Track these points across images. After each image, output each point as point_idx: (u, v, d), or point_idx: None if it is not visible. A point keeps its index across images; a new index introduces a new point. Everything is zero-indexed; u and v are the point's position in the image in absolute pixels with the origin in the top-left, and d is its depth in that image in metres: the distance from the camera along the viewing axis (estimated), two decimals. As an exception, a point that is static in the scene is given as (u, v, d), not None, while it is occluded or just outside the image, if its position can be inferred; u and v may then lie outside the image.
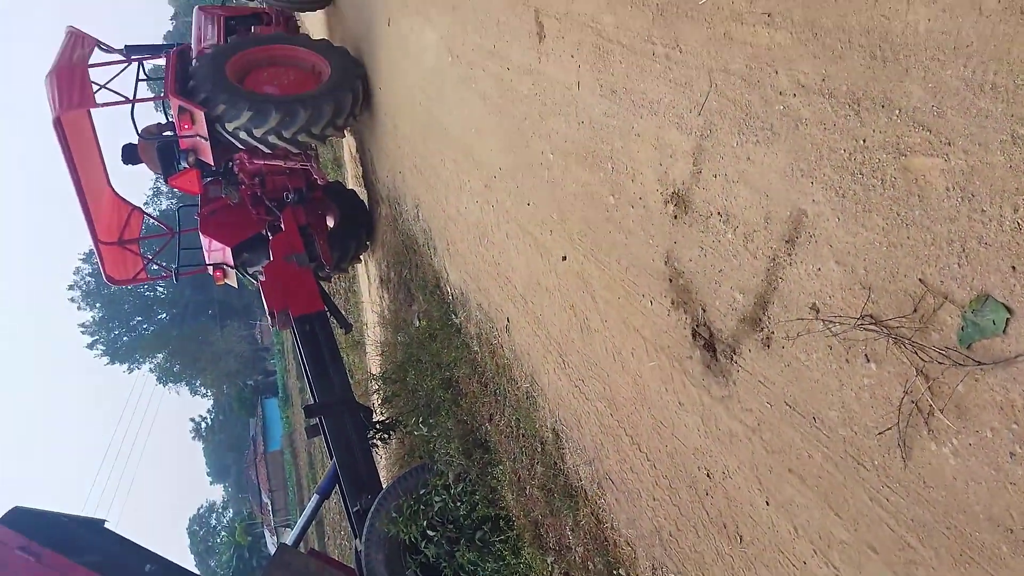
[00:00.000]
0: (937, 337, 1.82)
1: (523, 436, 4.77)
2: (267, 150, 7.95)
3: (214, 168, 8.41)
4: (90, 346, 74.26)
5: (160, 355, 72.45)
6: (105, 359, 74.30)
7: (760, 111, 2.32)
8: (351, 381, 7.92)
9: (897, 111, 1.85)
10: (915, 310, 1.87)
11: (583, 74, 3.43)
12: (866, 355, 2.02)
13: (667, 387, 3.05)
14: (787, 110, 2.21)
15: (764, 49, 2.27)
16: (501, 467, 5.13)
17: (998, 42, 1.61)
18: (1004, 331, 1.66)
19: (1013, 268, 1.63)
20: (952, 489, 1.82)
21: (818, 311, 2.18)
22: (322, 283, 9.39)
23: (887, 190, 1.91)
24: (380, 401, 7.89)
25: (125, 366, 75.21)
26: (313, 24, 13.57)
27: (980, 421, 1.73)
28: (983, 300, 1.70)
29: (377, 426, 7.18)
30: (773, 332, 2.38)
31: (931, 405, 1.84)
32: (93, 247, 8.75)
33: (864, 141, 1.96)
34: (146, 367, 74.19)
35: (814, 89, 2.10)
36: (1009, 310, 1.65)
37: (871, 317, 1.99)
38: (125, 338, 75.20)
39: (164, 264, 10.14)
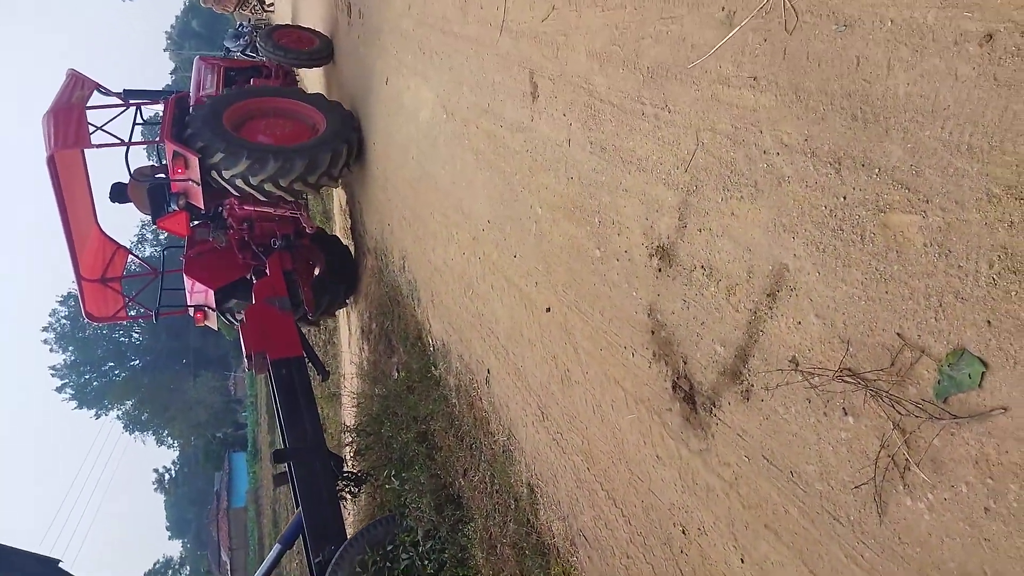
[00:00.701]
0: (914, 390, 1.84)
1: (497, 492, 4.69)
2: (262, 198, 8.04)
3: (203, 212, 8.49)
4: (59, 389, 72.64)
5: (129, 402, 70.92)
6: (73, 403, 72.62)
7: (745, 168, 2.39)
8: (324, 433, 7.79)
9: (877, 170, 1.93)
10: (893, 363, 1.90)
11: (574, 132, 3.53)
12: (844, 408, 2.04)
13: (645, 440, 3.03)
14: (771, 168, 2.28)
15: (750, 110, 2.36)
16: (473, 524, 5.01)
17: (973, 106, 1.69)
18: (980, 385, 1.69)
19: (988, 323, 1.67)
20: (927, 545, 1.81)
21: (797, 364, 2.20)
22: (303, 330, 9.34)
23: (866, 246, 1.96)
24: (353, 453, 7.74)
25: (92, 412, 73.53)
26: (312, 79, 13.87)
27: (955, 475, 1.74)
28: (959, 354, 1.73)
29: (347, 476, 7.03)
30: (753, 385, 2.40)
31: (907, 459, 1.85)
32: (75, 283, 8.71)
33: (844, 198, 2.02)
34: (114, 414, 72.56)
35: (797, 148, 2.18)
36: (985, 364, 1.68)
37: (849, 370, 2.02)
38: (95, 383, 73.76)
39: (144, 306, 10.06)
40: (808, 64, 2.11)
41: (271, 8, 21.20)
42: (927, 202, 1.80)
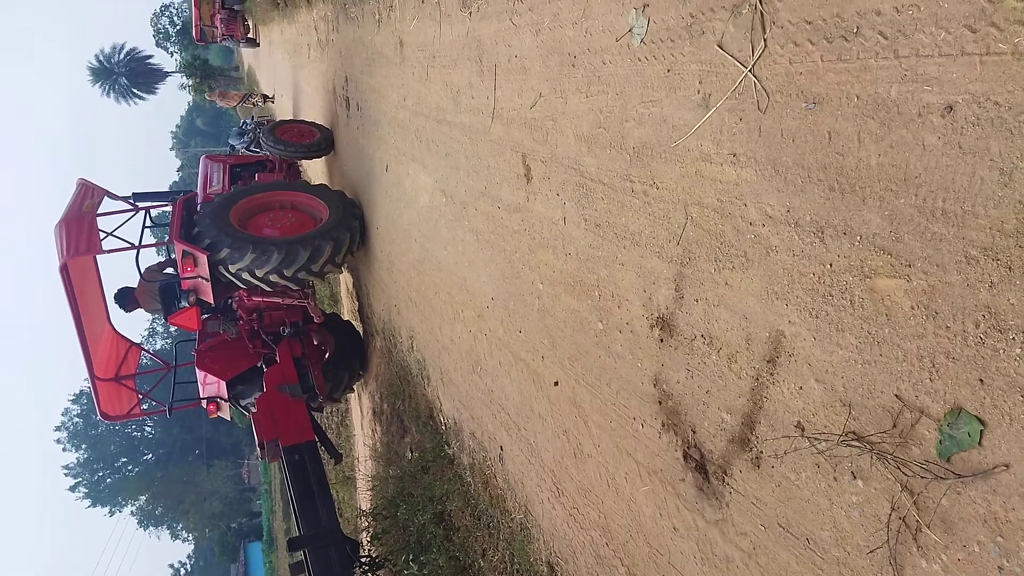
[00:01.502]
0: (918, 451, 1.87)
1: (517, 572, 4.61)
2: (268, 288, 8.21)
3: (213, 306, 8.64)
4: (72, 488, 71.90)
5: (143, 497, 70.01)
6: (87, 502, 71.77)
7: (733, 240, 2.47)
8: (340, 517, 7.69)
9: (858, 237, 2.00)
10: (894, 425, 1.92)
11: (568, 210, 3.64)
12: (852, 472, 2.05)
13: (661, 512, 3.02)
14: (758, 239, 2.36)
15: (733, 184, 2.46)
16: (496, 607, 4.91)
17: (943, 173, 1.78)
18: (980, 443, 1.71)
19: (981, 381, 1.71)
20: (949, 608, 1.80)
21: (803, 429, 2.23)
22: (315, 414, 9.33)
23: (856, 310, 2.02)
24: (369, 538, 7.62)
25: (107, 509, 72.55)
26: (315, 169, 14.27)
27: (966, 535, 1.75)
28: (957, 413, 1.77)
29: (363, 561, 6.90)
30: (762, 451, 2.41)
31: (918, 520, 1.85)
32: (89, 384, 8.79)
33: (831, 265, 2.09)
34: (128, 510, 71.53)
35: (781, 219, 2.26)
36: (982, 422, 1.71)
37: (854, 433, 2.04)
38: (109, 480, 73.08)
39: (158, 401, 10.11)
40: (783, 140, 2.22)
41: (272, 101, 22.00)
42: (909, 266, 1.86)
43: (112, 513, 72.92)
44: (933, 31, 1.75)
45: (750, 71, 2.31)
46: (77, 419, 72.00)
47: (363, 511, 8.60)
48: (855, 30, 1.95)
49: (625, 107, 3.02)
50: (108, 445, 73.08)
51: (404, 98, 6.75)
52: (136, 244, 8.39)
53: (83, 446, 72.70)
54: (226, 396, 9.07)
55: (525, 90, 3.98)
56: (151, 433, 72.50)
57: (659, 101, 2.79)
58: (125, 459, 74.25)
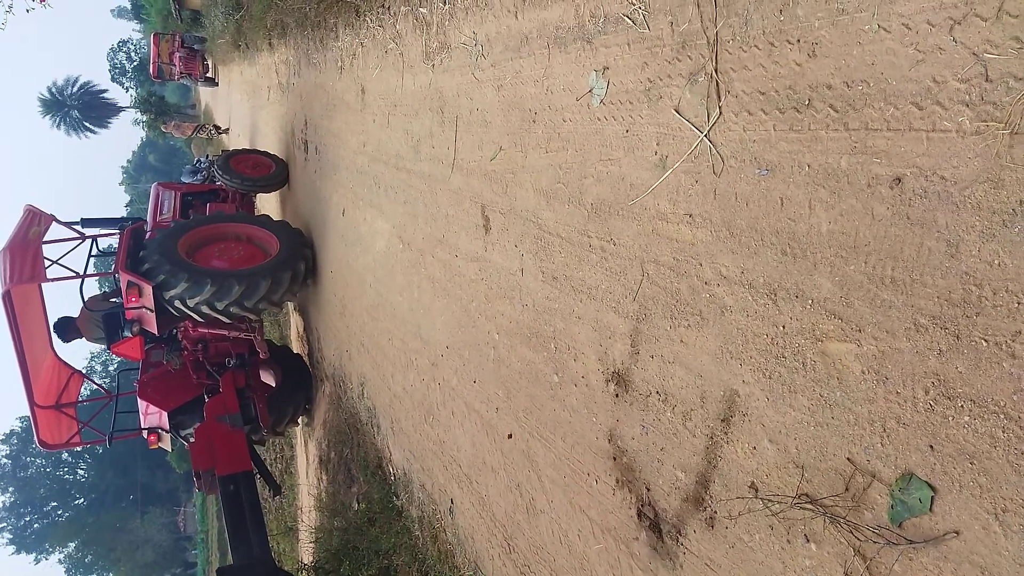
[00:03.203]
0: (870, 515, 1.88)
1: (466, 631, 4.47)
2: (199, 319, 8.10)
3: (157, 336, 8.48)
4: (-5, 534, 67.85)
5: (72, 544, 66.37)
6: (11, 548, 67.71)
7: (689, 298, 2.50)
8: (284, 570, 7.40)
9: (810, 301, 2.04)
10: (847, 488, 1.94)
11: (526, 262, 3.65)
12: (805, 535, 2.05)
13: (615, 571, 2.97)
14: (713, 298, 2.39)
15: (688, 244, 2.49)
16: (442, 668, 4.74)
17: (891, 243, 1.83)
18: (931, 509, 1.73)
19: (931, 447, 1.73)
20: (902, 677, 1.79)
21: (757, 490, 2.23)
22: (259, 453, 9.10)
23: (808, 372, 2.04)
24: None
25: (32, 556, 68.52)
26: (271, 207, 14.11)
27: (920, 602, 1.75)
28: (908, 479, 1.78)
29: None
30: (716, 511, 2.40)
31: (872, 586, 1.85)
32: (29, 412, 8.54)
33: (783, 327, 2.12)
34: (55, 557, 67.65)
35: (735, 280, 2.30)
36: (933, 488, 1.73)
37: (807, 496, 2.05)
38: (36, 524, 69.19)
39: (98, 430, 9.79)
40: (737, 203, 2.26)
41: (225, 132, 21.82)
42: (860, 331, 1.90)
43: (38, 561, 68.94)
44: (882, 106, 1.82)
45: (705, 136, 2.37)
46: (5, 460, 68.36)
47: (304, 564, 8.29)
48: (807, 102, 2.02)
49: (584, 164, 3.06)
50: (38, 488, 69.43)
51: (364, 144, 6.75)
52: (81, 273, 8.25)
53: (10, 489, 68.90)
54: (167, 427, 8.84)
55: (486, 142, 4.02)
56: (84, 476, 69.21)
57: (618, 160, 2.83)
58: (55, 503, 70.55)
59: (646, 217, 2.70)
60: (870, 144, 1.86)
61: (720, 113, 2.32)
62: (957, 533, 1.67)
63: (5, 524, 69.21)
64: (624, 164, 2.79)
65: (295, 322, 12.29)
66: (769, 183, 2.15)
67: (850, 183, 1.92)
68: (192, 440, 8.06)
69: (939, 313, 1.71)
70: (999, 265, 1.58)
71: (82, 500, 70.85)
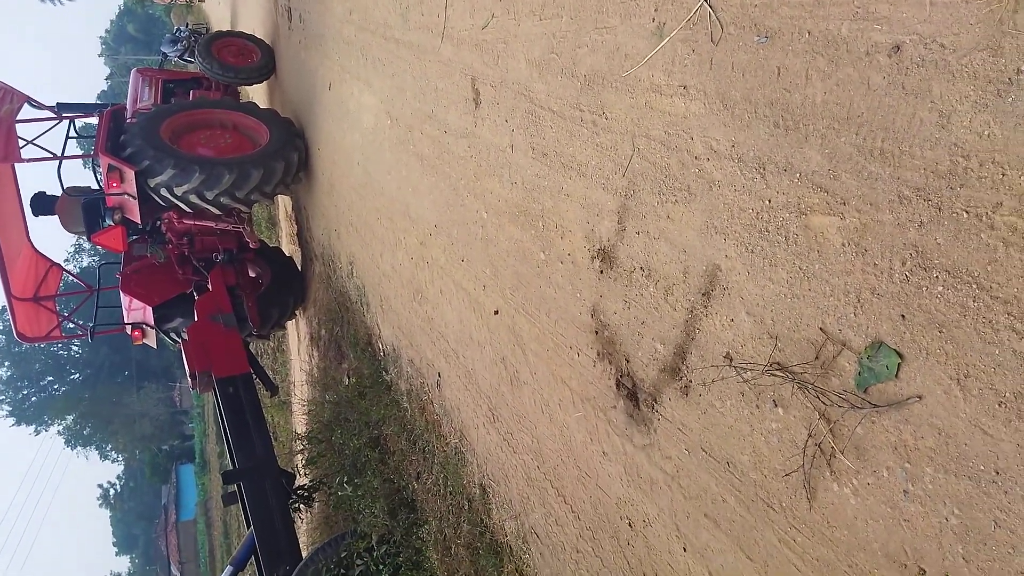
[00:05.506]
0: (837, 382, 1.95)
1: (450, 494, 4.72)
2: (188, 209, 7.85)
3: (140, 226, 8.26)
4: (-6, 405, 69.73)
5: (70, 417, 68.44)
6: (11, 420, 69.82)
7: (678, 173, 2.49)
8: (275, 443, 7.68)
9: (798, 174, 2.03)
10: (817, 357, 2.00)
11: (516, 138, 3.59)
12: (774, 400, 2.14)
13: (592, 437, 3.11)
14: (702, 173, 2.38)
15: (681, 117, 2.45)
16: (427, 527, 5.04)
17: (884, 113, 1.80)
18: (896, 375, 1.80)
19: (903, 316, 1.78)
20: (853, 528, 1.92)
21: (731, 359, 2.30)
22: (249, 341, 9.18)
23: (790, 246, 2.07)
24: (304, 462, 7.66)
25: (32, 428, 70.80)
26: (255, 87, 13.64)
27: (877, 461, 1.85)
28: (877, 347, 1.85)
29: (299, 492, 6.94)
30: (691, 380, 2.49)
31: (833, 447, 1.96)
32: (6, 302, 8.38)
33: (770, 201, 2.13)
34: (54, 429, 69.95)
35: (725, 154, 2.28)
36: (900, 356, 1.79)
37: (778, 364, 2.12)
38: (34, 398, 71.01)
39: (80, 322, 9.76)
40: (733, 74, 2.21)
41: None
42: (844, 204, 1.91)
43: (38, 432, 71.31)
44: (888, -32, 1.75)
45: (706, 0, 2.28)
46: (0, 335, 69.25)
47: (298, 435, 8.62)
48: (812, -37, 1.94)
49: (579, 32, 2.96)
50: (33, 363, 70.78)
51: (350, 11, 6.46)
52: (59, 155, 7.92)
53: (5, 363, 70.24)
54: (152, 323, 8.74)
55: (478, 9, 3.85)
56: (78, 353, 70.41)
57: (613, 28, 2.73)
58: (51, 378, 72.19)
59: (640, 89, 2.64)
60: (872, 10, 1.80)
61: (721, -24, 2.22)
62: (920, 397, 1.75)
63: (4, 397, 71.01)
64: (620, 32, 2.70)
65: (283, 202, 12.19)
66: (767, 51, 2.09)
67: (849, 51, 1.87)
68: (182, 338, 7.97)
69: (924, 185, 1.71)
70: (988, 136, 1.57)
71: (77, 376, 72.43)
